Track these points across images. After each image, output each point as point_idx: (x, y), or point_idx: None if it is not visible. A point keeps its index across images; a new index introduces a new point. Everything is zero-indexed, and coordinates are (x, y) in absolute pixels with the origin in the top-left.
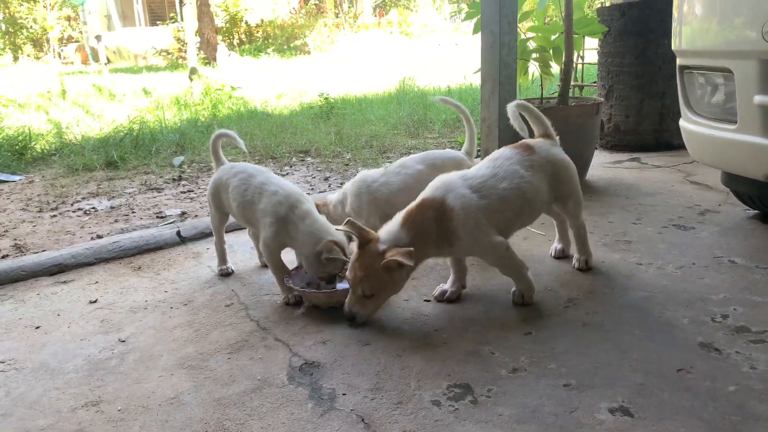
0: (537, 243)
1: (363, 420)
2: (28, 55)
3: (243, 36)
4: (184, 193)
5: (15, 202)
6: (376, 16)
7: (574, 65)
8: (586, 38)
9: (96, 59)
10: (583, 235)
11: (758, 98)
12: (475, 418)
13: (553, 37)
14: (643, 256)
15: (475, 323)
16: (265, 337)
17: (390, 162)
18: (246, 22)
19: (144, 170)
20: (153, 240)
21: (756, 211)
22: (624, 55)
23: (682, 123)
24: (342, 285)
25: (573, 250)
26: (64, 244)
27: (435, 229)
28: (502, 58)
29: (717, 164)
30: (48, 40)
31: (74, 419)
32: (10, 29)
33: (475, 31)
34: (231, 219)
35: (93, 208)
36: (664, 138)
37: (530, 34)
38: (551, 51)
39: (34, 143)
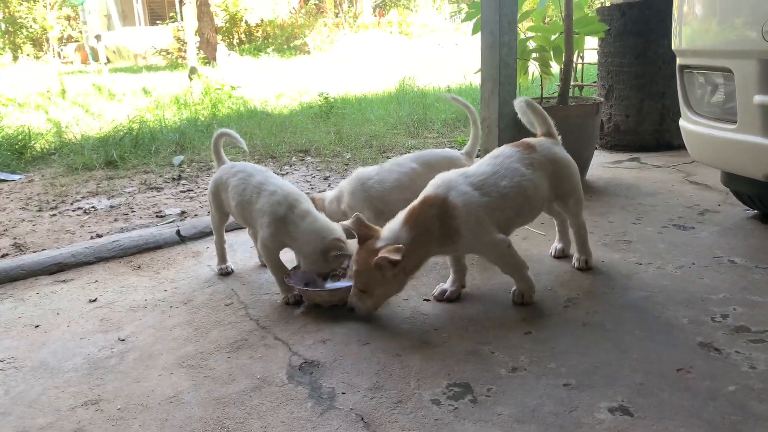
0: (537, 243)
1: (362, 419)
2: (28, 55)
3: (243, 36)
4: (184, 192)
5: (15, 201)
6: (375, 16)
7: (574, 65)
8: (586, 38)
9: (96, 59)
10: (583, 234)
11: (758, 98)
12: (475, 417)
13: (553, 37)
14: (642, 255)
15: (475, 323)
16: (264, 336)
17: None
18: (246, 22)
19: (144, 169)
20: (153, 239)
21: (756, 211)
22: (624, 55)
23: (682, 123)
24: (340, 283)
25: (573, 249)
26: (63, 243)
27: (438, 226)
28: (501, 58)
29: (717, 164)
30: (48, 40)
31: (74, 418)
32: (9, 29)
33: (474, 31)
34: (231, 218)
35: (93, 207)
36: (664, 138)
37: (530, 34)
38: (551, 51)
39: (33, 142)
